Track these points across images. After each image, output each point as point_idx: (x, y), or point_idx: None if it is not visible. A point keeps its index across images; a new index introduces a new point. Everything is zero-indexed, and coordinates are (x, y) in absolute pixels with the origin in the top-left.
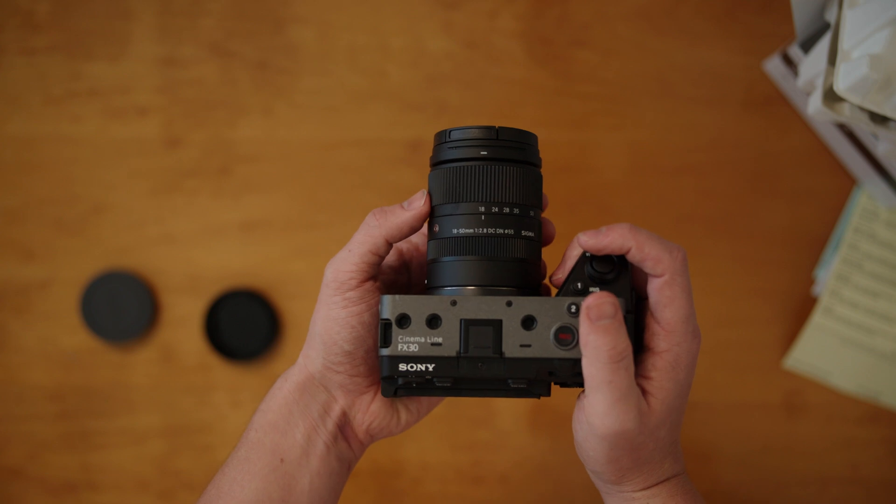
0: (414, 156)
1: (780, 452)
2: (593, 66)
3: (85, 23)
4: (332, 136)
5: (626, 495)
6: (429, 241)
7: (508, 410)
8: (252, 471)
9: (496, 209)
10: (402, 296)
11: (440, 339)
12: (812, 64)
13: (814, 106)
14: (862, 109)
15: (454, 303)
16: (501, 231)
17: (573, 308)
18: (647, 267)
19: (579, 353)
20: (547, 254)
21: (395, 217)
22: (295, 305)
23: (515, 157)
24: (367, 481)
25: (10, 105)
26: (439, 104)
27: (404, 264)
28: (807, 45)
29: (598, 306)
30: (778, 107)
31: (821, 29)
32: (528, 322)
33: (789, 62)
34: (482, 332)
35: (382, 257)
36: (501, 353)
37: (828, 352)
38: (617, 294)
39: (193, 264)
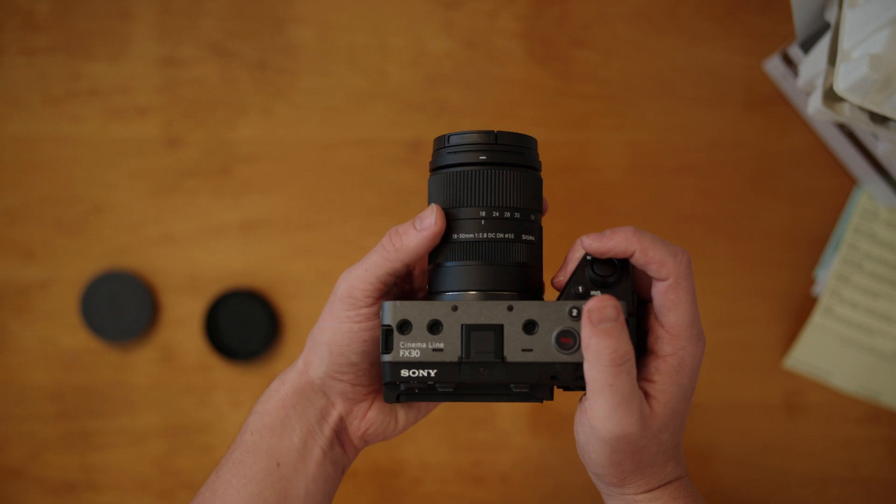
0: (414, 156)
1: (780, 452)
2: (593, 66)
3: (85, 23)
4: (332, 136)
5: (627, 498)
6: None
7: (508, 411)
8: (247, 474)
9: (496, 213)
10: (403, 301)
11: (442, 345)
12: (812, 64)
13: (814, 106)
14: (862, 109)
15: (455, 308)
16: (502, 235)
17: (574, 312)
18: (652, 270)
19: (581, 356)
20: (548, 256)
21: (409, 240)
22: (295, 305)
23: (515, 161)
24: (367, 481)
25: (10, 105)
26: (439, 104)
27: (408, 272)
28: (807, 45)
29: (600, 310)
30: (778, 107)
31: (821, 29)
32: (530, 326)
33: (789, 62)
34: (484, 336)
35: (399, 277)
36: (503, 358)
37: (828, 352)
38: (618, 297)
39: (193, 264)
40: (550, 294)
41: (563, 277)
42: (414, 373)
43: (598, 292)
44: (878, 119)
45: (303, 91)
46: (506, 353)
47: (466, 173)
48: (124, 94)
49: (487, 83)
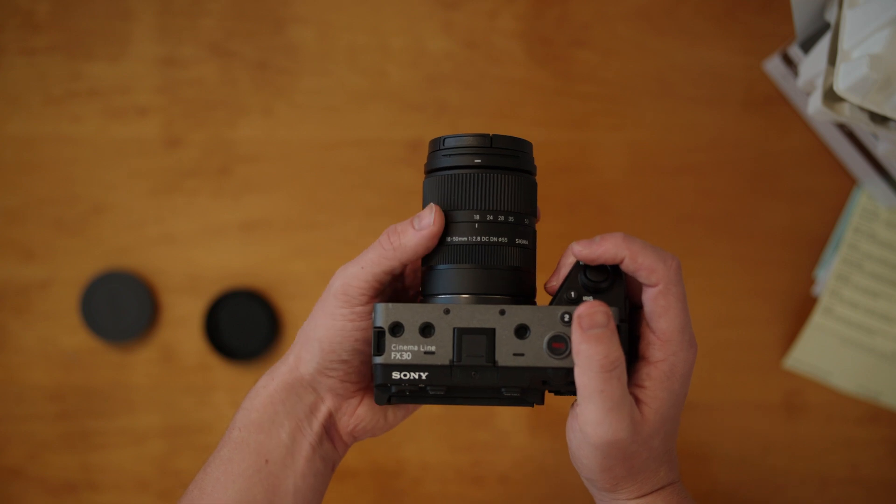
0: (414, 156)
1: (780, 452)
2: (593, 66)
3: (85, 23)
4: (332, 136)
5: (620, 503)
6: None
7: (508, 411)
8: (236, 471)
9: (490, 217)
10: (394, 304)
11: (433, 348)
12: (812, 64)
13: (814, 106)
14: (862, 109)
15: (447, 311)
16: (495, 239)
17: (566, 317)
18: (641, 277)
19: (572, 361)
20: (548, 257)
21: (407, 239)
22: (295, 305)
23: (510, 164)
24: (367, 481)
25: (10, 105)
26: (439, 104)
27: (400, 273)
28: (807, 45)
29: (590, 315)
30: (778, 107)
31: (821, 29)
32: (522, 331)
33: (789, 62)
34: (475, 340)
35: (395, 277)
36: (494, 362)
37: (828, 352)
38: (610, 303)
39: (193, 264)
40: (544, 298)
41: (556, 282)
42: (405, 375)
43: (591, 298)
44: (878, 119)
45: (303, 91)
46: (497, 357)
47: (461, 176)
48: (124, 94)
49: (487, 83)
